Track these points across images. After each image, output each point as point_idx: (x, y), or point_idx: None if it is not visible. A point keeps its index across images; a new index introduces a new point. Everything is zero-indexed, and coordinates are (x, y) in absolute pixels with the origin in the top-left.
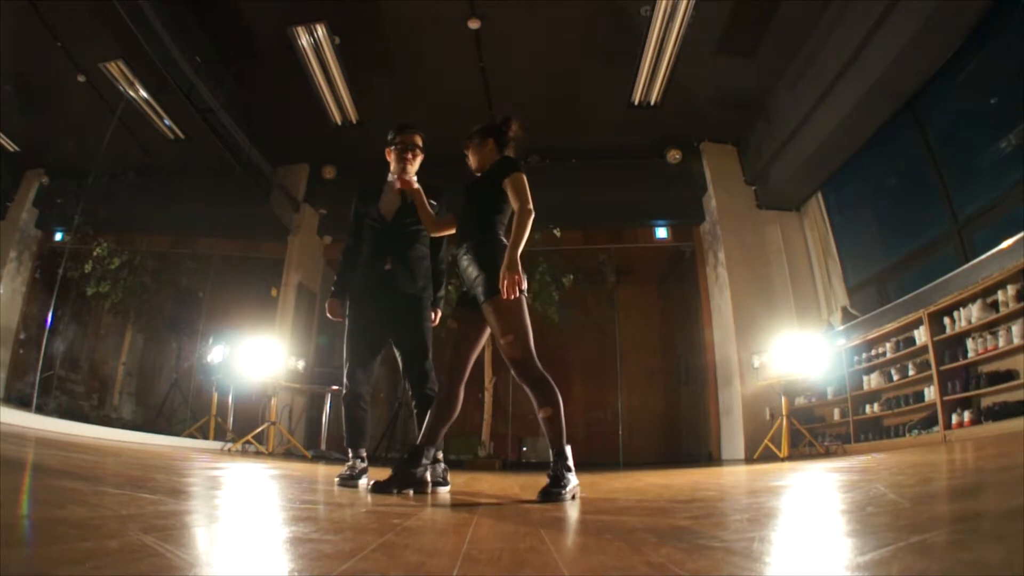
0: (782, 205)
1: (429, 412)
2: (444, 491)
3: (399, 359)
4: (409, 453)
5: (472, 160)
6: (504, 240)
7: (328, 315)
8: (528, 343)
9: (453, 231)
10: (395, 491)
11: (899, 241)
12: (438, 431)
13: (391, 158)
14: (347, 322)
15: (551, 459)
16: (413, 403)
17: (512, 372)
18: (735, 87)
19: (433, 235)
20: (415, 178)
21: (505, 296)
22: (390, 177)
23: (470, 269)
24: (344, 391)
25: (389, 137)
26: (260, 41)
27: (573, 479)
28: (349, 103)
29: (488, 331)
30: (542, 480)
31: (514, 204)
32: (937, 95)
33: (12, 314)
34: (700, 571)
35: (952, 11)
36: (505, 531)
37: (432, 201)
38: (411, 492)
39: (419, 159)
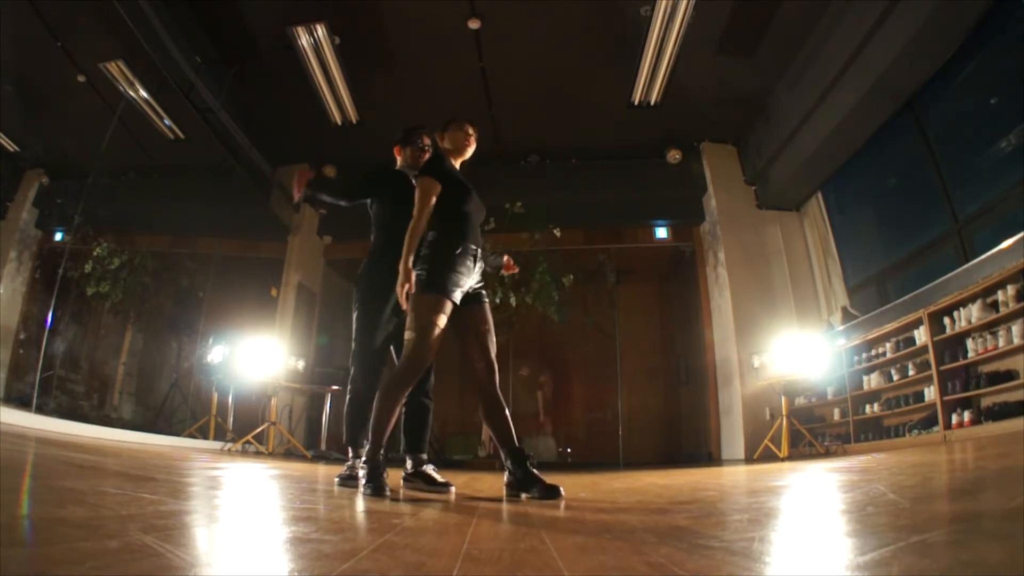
0: (782, 205)
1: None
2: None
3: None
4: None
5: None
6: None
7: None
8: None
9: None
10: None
11: (899, 241)
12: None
13: (403, 154)
14: (363, 314)
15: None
16: (404, 409)
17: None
18: (735, 87)
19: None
20: None
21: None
22: (401, 166)
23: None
24: (354, 387)
25: (400, 136)
26: (260, 41)
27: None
28: (349, 103)
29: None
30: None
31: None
32: (937, 95)
33: (12, 314)
34: (700, 571)
35: (952, 11)
36: (505, 531)
37: None
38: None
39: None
